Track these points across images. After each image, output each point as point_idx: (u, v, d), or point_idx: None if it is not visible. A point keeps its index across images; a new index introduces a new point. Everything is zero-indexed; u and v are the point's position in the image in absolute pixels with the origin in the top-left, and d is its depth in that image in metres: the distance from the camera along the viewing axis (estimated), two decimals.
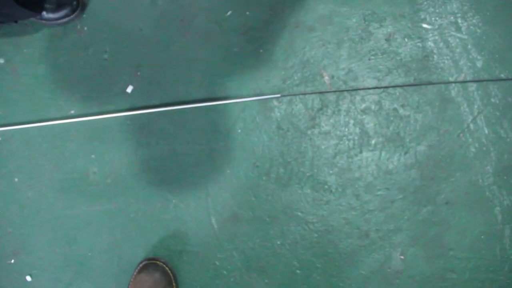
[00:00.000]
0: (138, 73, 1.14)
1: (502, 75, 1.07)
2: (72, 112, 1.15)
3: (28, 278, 1.13)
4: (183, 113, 1.12)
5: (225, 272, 1.09)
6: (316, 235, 1.08)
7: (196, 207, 1.10)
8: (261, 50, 1.12)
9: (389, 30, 1.10)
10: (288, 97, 1.10)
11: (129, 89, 1.14)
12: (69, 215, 1.13)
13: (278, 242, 1.08)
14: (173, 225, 1.10)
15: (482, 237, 1.05)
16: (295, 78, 1.11)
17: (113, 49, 1.16)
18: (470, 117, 1.07)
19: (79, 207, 1.13)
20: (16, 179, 1.15)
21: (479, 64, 1.08)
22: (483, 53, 1.08)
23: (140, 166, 1.12)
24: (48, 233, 1.13)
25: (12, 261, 1.14)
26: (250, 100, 1.11)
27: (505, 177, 1.05)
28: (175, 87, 1.13)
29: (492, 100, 1.07)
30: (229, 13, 1.14)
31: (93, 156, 1.13)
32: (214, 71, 1.13)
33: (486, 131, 1.06)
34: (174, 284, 1.05)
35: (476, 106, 1.07)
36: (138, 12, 1.17)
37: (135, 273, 1.04)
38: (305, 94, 1.10)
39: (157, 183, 1.12)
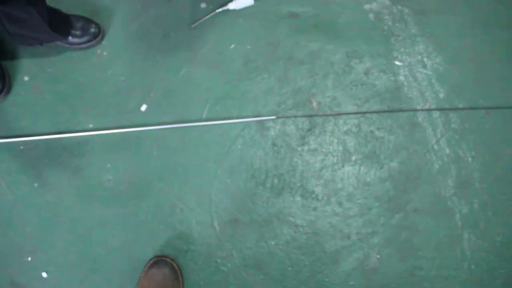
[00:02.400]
0: (152, 94, 1.30)
1: (460, 105, 1.28)
2: (91, 126, 1.29)
3: (44, 275, 1.24)
4: (190, 130, 1.28)
5: (225, 269, 1.23)
6: (305, 237, 1.24)
7: (200, 211, 1.25)
8: (259, 78, 1.30)
9: (367, 65, 1.31)
10: (282, 119, 1.28)
11: (143, 108, 1.30)
12: (84, 217, 1.25)
13: (272, 243, 1.24)
14: (179, 227, 1.24)
15: (445, 239, 1.23)
16: (288, 103, 1.29)
17: (129, 72, 1.32)
18: (434, 139, 1.27)
19: (94, 210, 1.25)
20: (36, 184, 1.27)
21: (441, 95, 1.29)
22: (444, 86, 1.29)
23: (151, 175, 1.26)
24: (64, 234, 1.25)
25: (29, 258, 1.25)
26: (249, 121, 1.28)
27: (463, 190, 1.24)
28: (184, 107, 1.29)
29: (452, 125, 1.27)
30: (232, 46, 1.33)
31: (108, 165, 1.27)
32: (218, 94, 1.30)
33: (448, 151, 1.26)
34: (180, 279, 1.18)
35: (439, 130, 1.27)
36: (153, 42, 1.33)
37: (146, 268, 1.17)
38: (296, 117, 1.28)
39: (165, 190, 1.26)
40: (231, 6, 1.33)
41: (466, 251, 1.23)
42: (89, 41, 1.31)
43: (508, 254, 1.23)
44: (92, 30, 1.30)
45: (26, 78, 1.32)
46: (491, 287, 1.23)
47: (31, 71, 1.33)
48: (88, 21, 1.30)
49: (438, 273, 1.22)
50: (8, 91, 1.31)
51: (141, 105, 1.30)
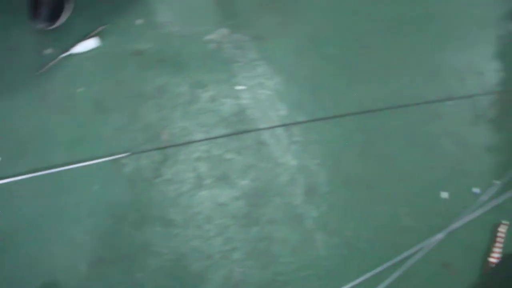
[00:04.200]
0: (4, 145, 1.30)
1: (300, 119, 1.41)
2: None
3: None
4: (47, 178, 1.29)
5: None
6: (170, 263, 1.30)
7: (65, 256, 1.26)
8: (110, 118, 1.35)
9: (211, 93, 1.40)
10: (136, 155, 1.34)
11: None
12: None
13: (140, 275, 1.29)
14: (45, 278, 1.25)
15: (300, 243, 1.34)
16: (140, 138, 1.35)
17: None
18: (280, 154, 1.39)
19: None
20: None
21: (283, 112, 1.41)
22: (285, 104, 1.42)
23: (11, 228, 1.26)
24: None
25: None
26: (103, 161, 1.32)
27: (311, 196, 1.37)
28: (38, 155, 1.31)
29: (295, 138, 1.40)
30: (81, 89, 1.36)
31: None
32: (72, 138, 1.33)
33: (293, 163, 1.38)
34: None
35: (284, 145, 1.39)
36: None
37: None
38: (149, 150, 1.34)
39: (28, 242, 1.26)
40: (74, 50, 1.37)
41: (320, 251, 1.35)
42: None
43: (359, 245, 1.37)
44: None
45: None
46: (347, 278, 1.36)
47: None
48: None
49: (297, 275, 1.33)
50: None
51: None
